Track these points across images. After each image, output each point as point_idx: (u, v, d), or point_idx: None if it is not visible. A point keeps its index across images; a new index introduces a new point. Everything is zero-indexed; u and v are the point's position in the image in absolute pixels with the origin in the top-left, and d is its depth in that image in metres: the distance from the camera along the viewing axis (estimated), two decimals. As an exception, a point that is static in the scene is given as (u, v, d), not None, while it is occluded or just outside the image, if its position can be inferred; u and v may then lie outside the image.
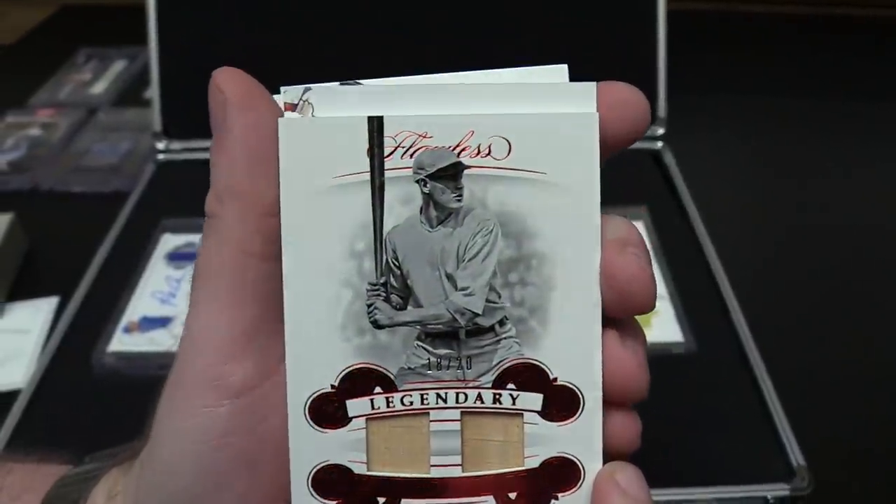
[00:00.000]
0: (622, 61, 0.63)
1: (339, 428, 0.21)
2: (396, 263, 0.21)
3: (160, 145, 0.63)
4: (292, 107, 0.21)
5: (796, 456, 0.41)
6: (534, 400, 0.21)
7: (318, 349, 0.21)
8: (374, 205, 0.21)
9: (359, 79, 0.22)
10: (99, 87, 0.78)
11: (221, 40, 0.62)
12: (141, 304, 0.48)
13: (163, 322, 0.48)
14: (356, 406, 0.21)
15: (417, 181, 0.21)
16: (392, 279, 0.21)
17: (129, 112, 0.73)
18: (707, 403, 0.44)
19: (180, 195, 0.44)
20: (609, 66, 0.65)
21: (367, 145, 0.21)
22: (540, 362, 0.21)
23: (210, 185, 0.21)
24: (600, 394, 0.21)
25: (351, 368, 0.21)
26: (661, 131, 0.64)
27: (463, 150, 0.21)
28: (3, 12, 0.98)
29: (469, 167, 0.21)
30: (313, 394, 0.21)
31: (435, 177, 0.21)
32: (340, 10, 0.62)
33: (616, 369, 0.21)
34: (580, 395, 0.21)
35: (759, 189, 0.65)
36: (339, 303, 0.21)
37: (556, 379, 0.21)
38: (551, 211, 0.21)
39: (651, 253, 0.55)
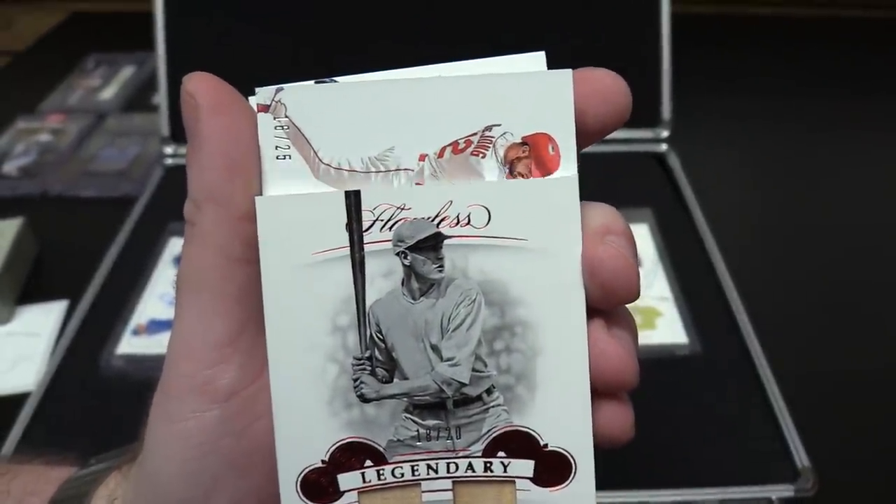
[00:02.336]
0: (626, 64, 0.63)
1: (332, 502, 0.21)
2: (380, 337, 0.21)
3: (168, 150, 0.64)
4: (265, 108, 0.21)
5: (801, 457, 0.41)
6: (525, 467, 0.21)
7: (306, 424, 0.21)
8: (355, 279, 0.21)
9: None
10: (108, 93, 0.79)
11: (229, 46, 0.63)
12: (149, 306, 0.49)
13: (170, 325, 0.48)
14: (347, 480, 0.21)
15: (397, 254, 0.21)
16: (377, 353, 0.21)
17: (138, 117, 0.74)
18: (712, 405, 0.44)
19: (188, 199, 0.45)
20: (613, 68, 0.65)
21: (345, 220, 0.21)
22: (529, 429, 0.21)
23: (187, 192, 0.21)
24: (592, 459, 0.21)
25: (340, 443, 0.21)
26: (665, 134, 0.64)
27: (442, 219, 0.21)
28: (13, 19, 0.99)
29: (449, 237, 0.21)
30: (304, 469, 0.21)
31: (415, 248, 0.21)
32: (349, 16, 0.63)
33: (603, 358, 0.21)
34: (572, 460, 0.21)
35: (763, 191, 0.65)
36: (324, 377, 0.21)
37: (546, 445, 0.21)
38: (533, 277, 0.21)
39: (654, 253, 0.55)
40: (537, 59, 0.22)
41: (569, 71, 0.21)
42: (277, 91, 0.21)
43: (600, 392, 0.21)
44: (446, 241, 0.21)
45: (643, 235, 0.55)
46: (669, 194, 0.60)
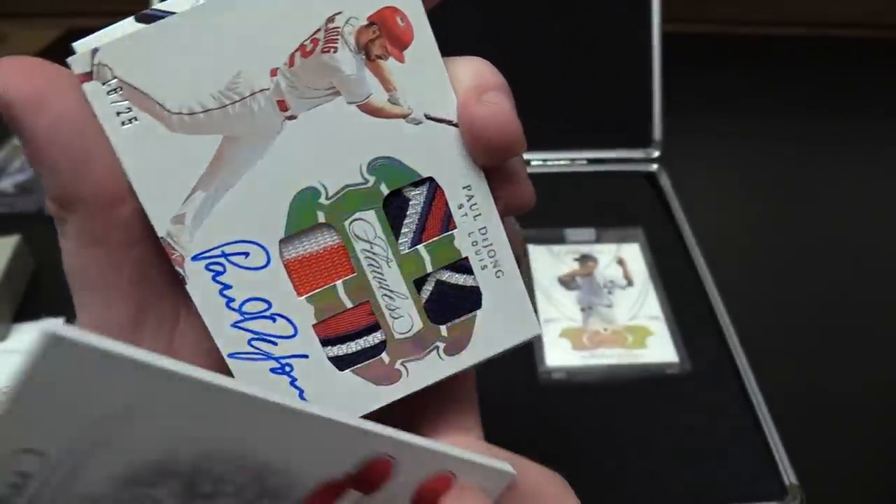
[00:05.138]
0: (617, 83, 0.65)
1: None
2: None
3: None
4: (88, 76, 0.19)
5: (789, 475, 0.41)
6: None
7: None
8: None
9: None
10: (103, 109, 0.79)
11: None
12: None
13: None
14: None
15: None
16: None
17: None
18: (701, 423, 0.45)
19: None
20: (603, 87, 0.66)
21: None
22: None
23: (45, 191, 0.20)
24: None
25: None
26: (656, 154, 0.65)
27: None
28: (8, 34, 1.00)
29: None
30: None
31: None
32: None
33: (480, 123, 0.21)
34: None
35: (754, 210, 0.66)
36: None
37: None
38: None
39: (645, 272, 0.56)
40: None
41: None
42: (94, 54, 0.19)
43: (493, 161, 0.22)
44: None
45: (634, 254, 0.56)
46: (660, 214, 0.60)
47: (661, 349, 0.48)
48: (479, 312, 0.23)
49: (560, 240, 0.56)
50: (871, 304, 0.55)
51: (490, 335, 0.24)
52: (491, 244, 0.23)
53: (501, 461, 0.22)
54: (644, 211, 0.61)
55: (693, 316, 0.51)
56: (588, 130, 0.65)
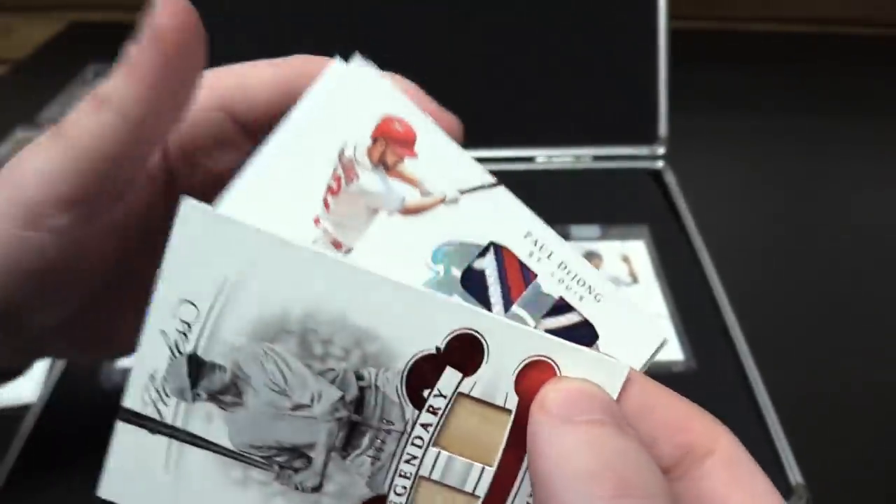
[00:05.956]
0: (622, 80, 0.64)
1: None
2: None
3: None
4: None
5: (794, 474, 0.41)
6: None
7: None
8: None
9: None
10: (107, 104, 0.79)
11: (228, 58, 0.63)
12: (149, 320, 0.49)
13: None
14: None
15: None
16: None
17: (137, 128, 0.74)
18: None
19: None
20: (609, 84, 0.66)
21: None
22: None
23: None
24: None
25: None
26: (661, 150, 0.64)
27: None
28: (13, 28, 1.00)
29: None
30: None
31: None
32: (352, 34, 0.63)
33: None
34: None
35: (760, 208, 0.66)
36: None
37: None
38: None
39: (650, 269, 0.55)
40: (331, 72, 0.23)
41: (339, 63, 0.23)
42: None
43: None
44: None
45: (639, 252, 0.55)
46: (666, 211, 0.60)
47: (666, 347, 0.48)
48: (599, 343, 0.23)
49: (565, 237, 0.55)
50: (879, 303, 0.55)
51: (621, 359, 0.23)
52: (575, 274, 0.23)
53: (611, 356, 0.22)
54: (649, 208, 0.60)
55: (698, 314, 0.51)
56: (593, 127, 0.65)
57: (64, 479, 0.40)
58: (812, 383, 0.49)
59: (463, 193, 0.23)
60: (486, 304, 0.23)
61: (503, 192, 0.24)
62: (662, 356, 0.48)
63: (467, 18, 0.63)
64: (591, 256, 0.55)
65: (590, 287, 0.23)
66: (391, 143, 0.23)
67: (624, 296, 0.24)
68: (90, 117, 0.24)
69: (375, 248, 0.23)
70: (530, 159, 0.64)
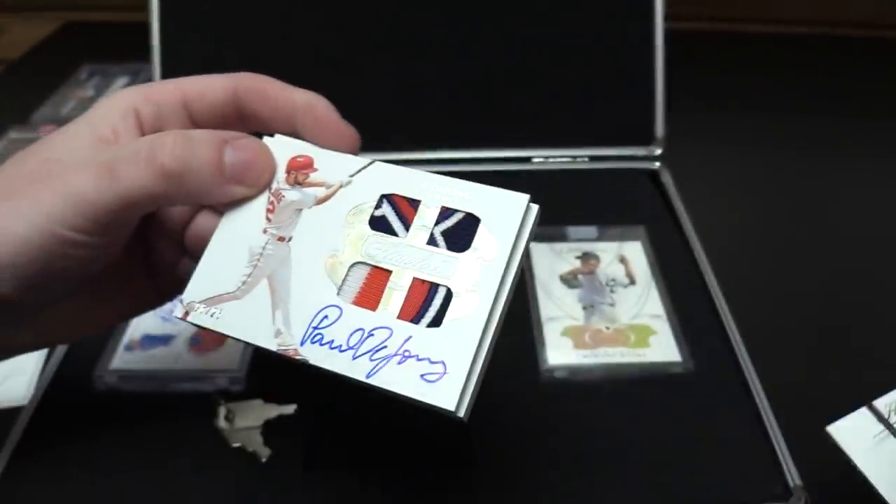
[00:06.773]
0: (619, 80, 0.64)
1: None
2: None
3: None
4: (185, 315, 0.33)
5: (793, 476, 0.41)
6: None
7: None
8: None
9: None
10: (101, 104, 0.78)
11: (224, 59, 0.63)
12: (143, 322, 0.49)
13: (164, 340, 0.48)
14: None
15: None
16: None
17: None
18: (704, 423, 0.44)
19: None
20: (606, 85, 0.65)
21: None
22: None
23: None
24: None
25: None
26: (658, 151, 0.64)
27: None
28: (6, 27, 0.99)
29: None
30: None
31: None
32: (347, 35, 0.63)
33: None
34: None
35: (757, 209, 0.66)
36: None
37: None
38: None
39: (647, 270, 0.55)
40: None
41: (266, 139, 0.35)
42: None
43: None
44: None
45: (636, 252, 0.55)
46: (663, 212, 0.60)
47: (663, 348, 0.48)
48: (480, 226, 0.31)
49: (562, 237, 0.56)
50: (876, 303, 0.55)
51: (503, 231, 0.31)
52: (448, 188, 0.32)
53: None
54: (646, 209, 0.60)
55: (696, 315, 0.51)
56: (590, 128, 0.64)
57: (56, 480, 0.40)
58: (810, 384, 0.49)
59: (352, 176, 0.33)
60: (393, 235, 0.32)
61: (380, 164, 0.33)
62: (659, 357, 0.47)
63: (465, 19, 0.62)
64: (587, 257, 0.55)
65: (461, 192, 0.31)
66: (299, 170, 0.34)
67: (486, 186, 0.31)
68: (145, 174, 0.31)
69: (306, 231, 0.33)
70: (527, 160, 0.64)
